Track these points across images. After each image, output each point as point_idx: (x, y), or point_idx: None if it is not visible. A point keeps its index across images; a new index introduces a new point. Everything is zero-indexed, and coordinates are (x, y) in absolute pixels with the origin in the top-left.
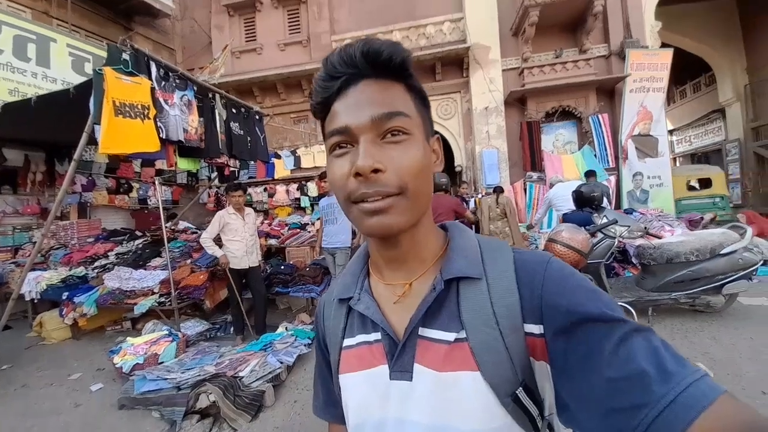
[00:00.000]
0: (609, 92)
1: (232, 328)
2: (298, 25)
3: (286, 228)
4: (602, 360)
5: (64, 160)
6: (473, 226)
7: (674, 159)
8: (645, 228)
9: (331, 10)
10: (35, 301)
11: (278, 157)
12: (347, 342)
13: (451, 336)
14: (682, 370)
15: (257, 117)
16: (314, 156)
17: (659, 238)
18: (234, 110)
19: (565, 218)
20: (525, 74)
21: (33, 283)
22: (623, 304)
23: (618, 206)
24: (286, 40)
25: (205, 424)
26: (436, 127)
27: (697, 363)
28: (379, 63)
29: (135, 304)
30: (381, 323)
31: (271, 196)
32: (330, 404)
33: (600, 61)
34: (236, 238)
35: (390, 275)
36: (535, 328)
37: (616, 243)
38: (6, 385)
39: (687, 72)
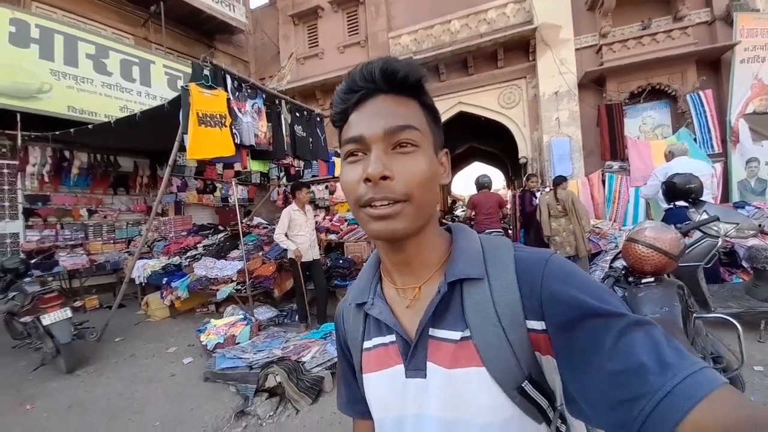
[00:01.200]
0: (713, 65)
1: (297, 316)
2: (357, 26)
3: (346, 223)
4: (603, 353)
5: (163, 165)
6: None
7: None
8: (760, 226)
9: (388, 6)
10: (142, 284)
11: (338, 155)
12: (366, 344)
13: (457, 335)
14: (682, 361)
15: (318, 119)
16: None
17: None
18: (297, 114)
19: (670, 214)
20: (604, 51)
21: (141, 270)
22: (722, 315)
23: (726, 199)
24: (345, 42)
25: (273, 402)
26: (498, 117)
27: None
28: (395, 81)
29: (217, 290)
30: (394, 326)
31: (331, 193)
32: (352, 401)
33: (700, 29)
34: (301, 232)
35: (400, 279)
36: (537, 324)
37: (719, 243)
38: (118, 355)
39: None
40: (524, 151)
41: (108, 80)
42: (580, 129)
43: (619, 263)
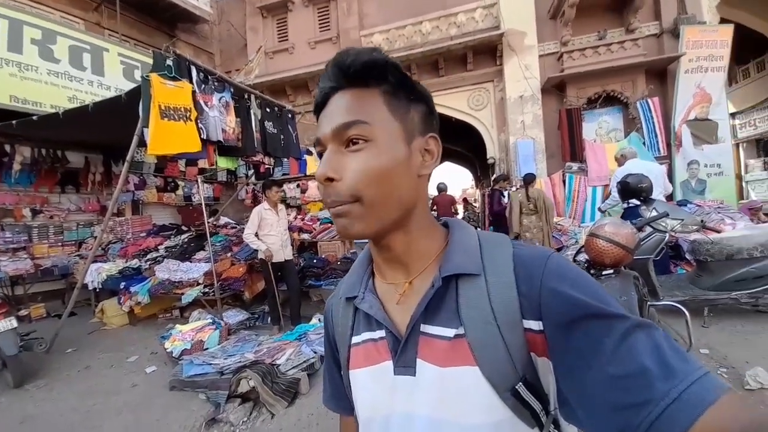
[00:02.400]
0: (660, 74)
1: (269, 318)
2: (328, 22)
3: (318, 223)
4: (603, 357)
5: (119, 161)
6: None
7: (737, 144)
8: (702, 221)
9: (361, 5)
10: (97, 290)
11: (310, 153)
12: (355, 339)
13: (450, 332)
14: (686, 366)
15: (289, 115)
16: None
17: (718, 232)
18: (268, 109)
19: (627, 213)
20: (564, 59)
21: (95, 274)
22: (673, 303)
23: (670, 198)
24: (317, 38)
25: (246, 408)
26: (467, 119)
27: (758, 368)
28: (349, 73)
29: (182, 294)
30: (384, 321)
31: (303, 191)
32: (336, 397)
33: (650, 41)
34: (272, 232)
35: (390, 274)
36: (535, 324)
37: (667, 238)
38: (70, 367)
39: (749, 50)
40: (492, 151)
41: (55, 68)
42: (543, 132)
43: (582, 257)
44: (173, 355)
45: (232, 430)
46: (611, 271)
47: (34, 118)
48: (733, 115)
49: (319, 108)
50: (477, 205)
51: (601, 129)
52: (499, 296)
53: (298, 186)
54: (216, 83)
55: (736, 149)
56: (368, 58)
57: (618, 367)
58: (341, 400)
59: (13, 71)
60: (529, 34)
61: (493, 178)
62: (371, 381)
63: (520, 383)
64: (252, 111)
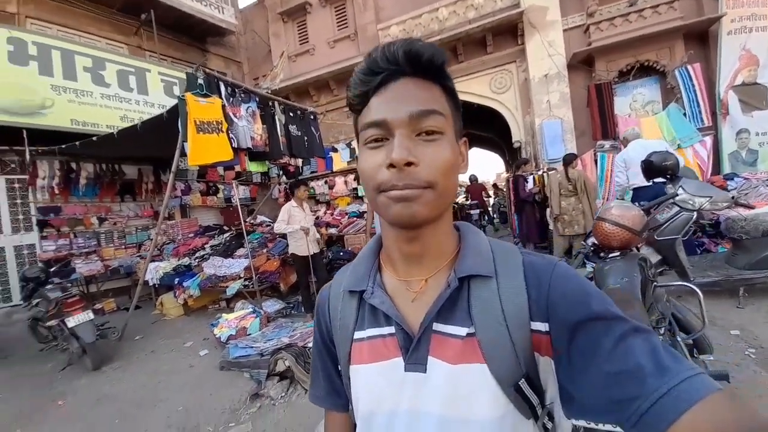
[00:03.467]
0: (700, 38)
1: (303, 307)
2: (346, 19)
3: (346, 217)
4: (602, 355)
5: (166, 171)
6: (536, 205)
7: None
8: (733, 198)
9: None
10: (156, 285)
11: (335, 150)
12: (358, 334)
13: (463, 331)
14: (679, 366)
15: (312, 117)
16: None
17: (751, 208)
18: (291, 114)
19: (636, 193)
20: (591, 31)
21: (153, 272)
22: (684, 283)
23: (717, 171)
24: (335, 37)
25: (284, 384)
26: (490, 103)
27: None
28: (420, 63)
29: (227, 287)
30: (396, 318)
31: (331, 188)
32: (332, 394)
33: (687, 3)
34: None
35: (405, 271)
36: (542, 326)
37: (695, 216)
38: (138, 352)
39: None
40: (518, 135)
41: (107, 91)
42: (571, 110)
43: (591, 241)
44: (221, 340)
45: (272, 402)
46: (617, 253)
47: (94, 138)
48: None
49: (366, 90)
50: (505, 190)
51: (635, 102)
52: (509, 299)
53: (326, 182)
54: (242, 95)
55: None
56: (443, 53)
57: (614, 364)
58: (338, 397)
59: (71, 97)
60: (552, 9)
61: (514, 165)
62: (377, 377)
63: (523, 379)
64: (276, 117)
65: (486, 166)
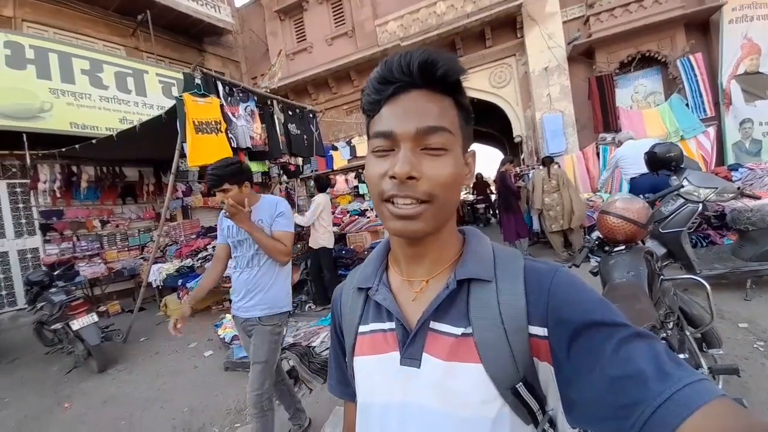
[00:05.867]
0: (702, 27)
1: (306, 306)
2: (343, 16)
3: (348, 215)
4: (604, 360)
5: (167, 172)
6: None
7: None
8: (739, 189)
9: None
10: (159, 287)
11: (335, 149)
12: (362, 328)
13: (458, 330)
14: (681, 371)
15: (311, 115)
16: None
17: (757, 198)
18: (290, 112)
19: (633, 183)
20: (591, 22)
21: (156, 274)
22: (691, 276)
23: (721, 162)
24: (333, 34)
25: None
26: (490, 98)
27: None
28: (434, 77)
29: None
30: (396, 314)
31: (332, 186)
32: (342, 383)
33: None
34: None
35: (409, 271)
36: (540, 331)
37: (699, 208)
38: (144, 353)
39: None
40: (518, 129)
41: (105, 93)
42: (572, 103)
43: (595, 234)
44: (225, 340)
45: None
46: (623, 247)
47: (94, 141)
48: None
49: (379, 98)
50: (493, 188)
51: (637, 94)
52: (508, 302)
53: None
54: (241, 94)
55: None
56: (462, 71)
57: (617, 369)
58: (347, 386)
59: (69, 100)
60: (550, 0)
61: (501, 162)
62: (375, 369)
63: (521, 383)
64: (275, 116)
65: (489, 162)
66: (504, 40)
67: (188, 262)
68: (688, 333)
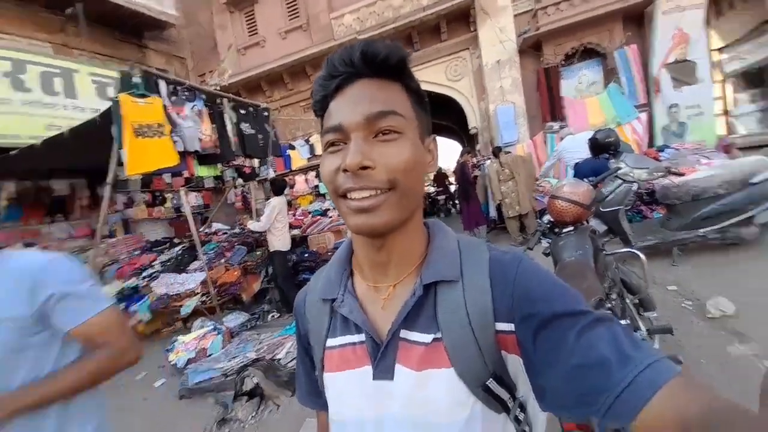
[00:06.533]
0: (637, 20)
1: (269, 316)
2: (297, 9)
3: (309, 216)
4: (567, 349)
5: (103, 183)
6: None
7: (723, 81)
8: (666, 167)
9: None
10: None
11: (292, 148)
12: (330, 342)
13: (428, 337)
14: (640, 353)
15: (265, 113)
16: None
17: (682, 175)
18: (243, 111)
19: (577, 168)
20: (539, 16)
21: None
22: (629, 249)
23: (651, 144)
24: (287, 27)
25: (253, 403)
26: (446, 91)
27: (719, 297)
28: (376, 63)
29: (181, 305)
30: (364, 326)
31: (291, 187)
32: (313, 394)
33: None
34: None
35: (375, 277)
36: (506, 326)
37: (634, 187)
38: None
39: None
40: (473, 121)
41: (28, 97)
42: (523, 95)
43: (546, 218)
44: (178, 366)
45: (242, 426)
46: (571, 228)
47: (13, 153)
48: (720, 50)
49: (325, 94)
50: (452, 179)
51: (581, 84)
52: (474, 301)
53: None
54: (186, 93)
55: (722, 85)
56: (404, 53)
57: (579, 357)
58: (318, 396)
59: None
60: None
61: (460, 153)
62: (347, 385)
63: (491, 379)
64: (226, 115)
65: (448, 154)
66: (458, 33)
67: (131, 282)
68: (628, 300)
